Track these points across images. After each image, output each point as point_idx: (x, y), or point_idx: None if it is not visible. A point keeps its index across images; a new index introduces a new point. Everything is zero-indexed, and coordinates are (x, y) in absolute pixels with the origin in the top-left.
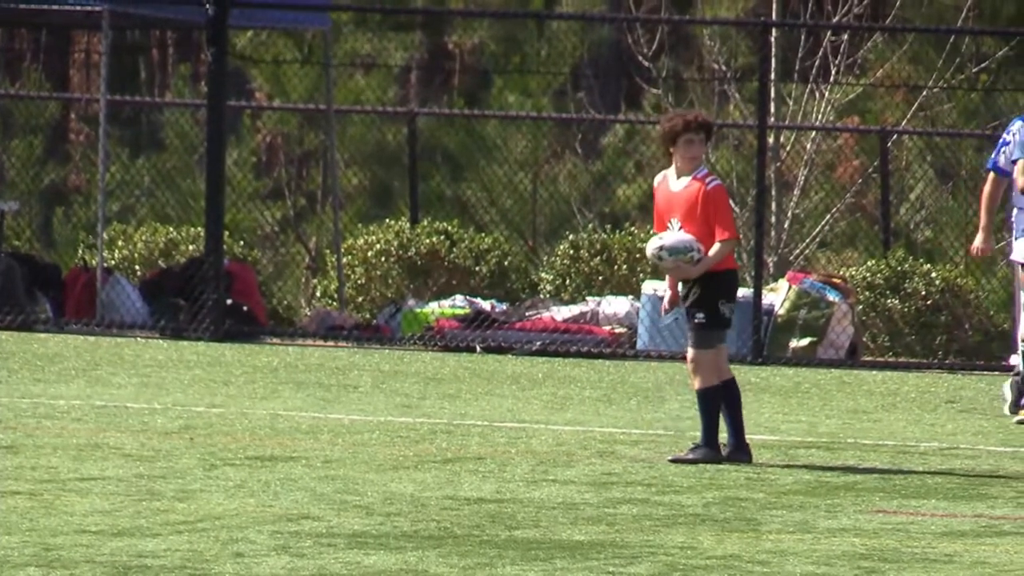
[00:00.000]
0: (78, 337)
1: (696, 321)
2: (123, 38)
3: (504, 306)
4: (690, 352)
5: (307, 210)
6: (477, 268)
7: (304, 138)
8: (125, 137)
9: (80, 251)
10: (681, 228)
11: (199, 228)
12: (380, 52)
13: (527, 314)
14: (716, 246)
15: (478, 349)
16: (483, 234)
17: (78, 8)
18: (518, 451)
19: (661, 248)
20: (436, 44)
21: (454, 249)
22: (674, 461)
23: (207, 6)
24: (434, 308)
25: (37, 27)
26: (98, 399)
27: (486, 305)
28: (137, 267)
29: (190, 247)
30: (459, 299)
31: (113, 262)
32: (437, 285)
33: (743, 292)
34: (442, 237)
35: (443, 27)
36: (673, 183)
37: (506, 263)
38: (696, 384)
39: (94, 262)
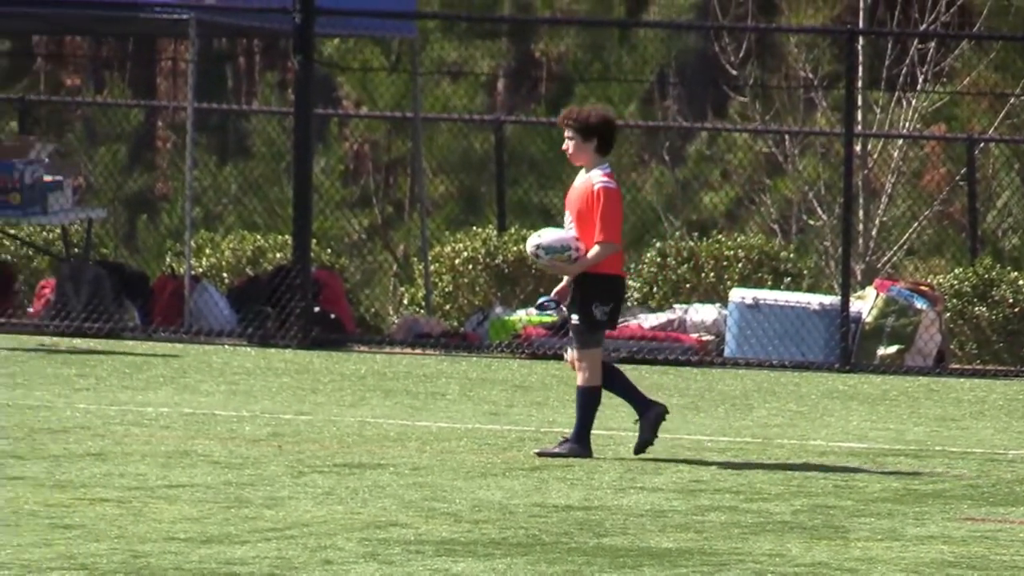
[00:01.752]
0: (166, 344)
1: (573, 323)
2: (210, 46)
3: None
4: (574, 353)
5: (395, 218)
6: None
7: (391, 146)
8: (212, 145)
9: (167, 259)
10: (572, 224)
11: (287, 236)
12: (467, 60)
13: None
14: (594, 248)
15: (565, 357)
16: None
17: (165, 17)
18: (606, 458)
19: (538, 246)
20: (523, 52)
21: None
22: (540, 454)
23: (294, 14)
24: (521, 316)
25: (124, 36)
26: (186, 406)
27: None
28: (225, 275)
29: (278, 255)
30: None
31: (201, 270)
32: (524, 292)
33: (831, 300)
34: None
35: (529, 35)
36: (577, 179)
37: None
38: (579, 381)
39: (182, 270)
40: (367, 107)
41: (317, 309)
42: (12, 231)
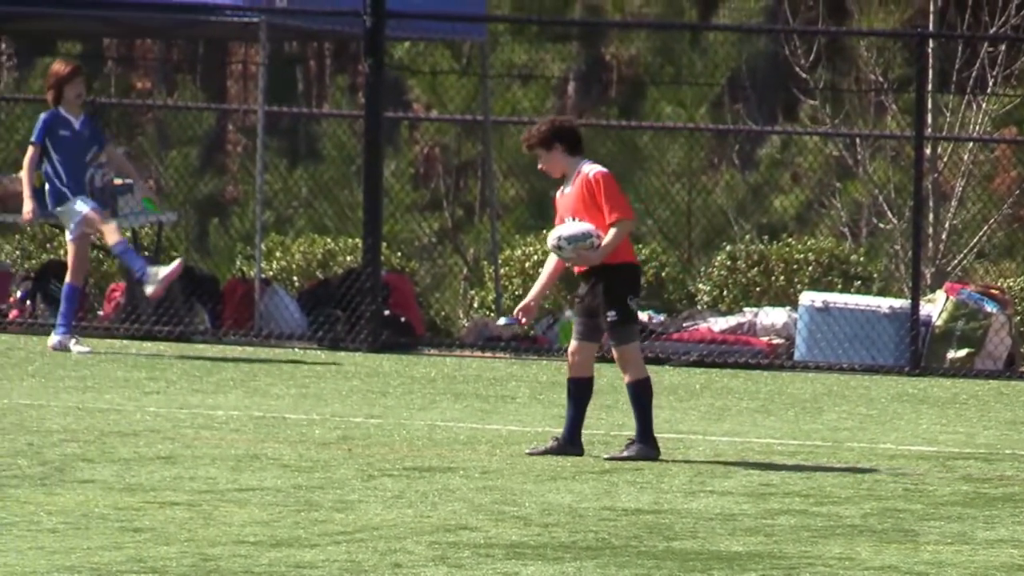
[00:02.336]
0: (236, 348)
1: (609, 320)
2: (281, 49)
3: (661, 317)
4: (615, 352)
5: (465, 221)
6: None
7: (462, 149)
8: (282, 148)
9: (238, 262)
10: (580, 222)
11: (357, 239)
12: (537, 63)
13: (684, 325)
14: (612, 230)
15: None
16: (640, 245)
17: (235, 20)
18: (675, 461)
19: (560, 238)
20: (593, 55)
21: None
22: (608, 458)
23: (364, 17)
24: None
25: (194, 39)
26: (256, 409)
27: (643, 316)
28: (295, 278)
29: (348, 258)
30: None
31: (271, 273)
32: None
33: (901, 303)
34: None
35: (600, 38)
36: (565, 186)
37: (663, 274)
38: (626, 378)
39: (252, 273)
40: (437, 110)
41: (387, 312)
42: None
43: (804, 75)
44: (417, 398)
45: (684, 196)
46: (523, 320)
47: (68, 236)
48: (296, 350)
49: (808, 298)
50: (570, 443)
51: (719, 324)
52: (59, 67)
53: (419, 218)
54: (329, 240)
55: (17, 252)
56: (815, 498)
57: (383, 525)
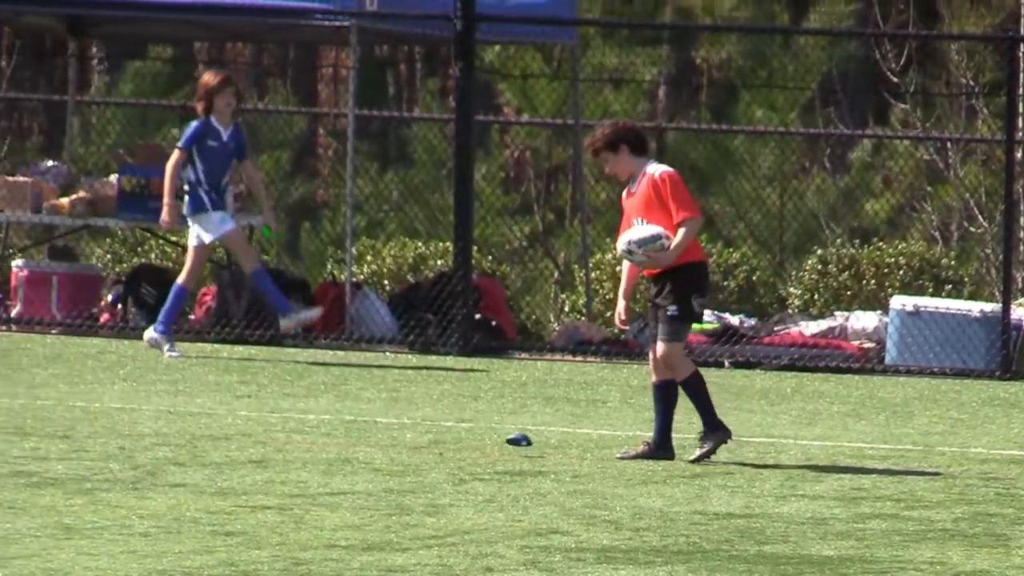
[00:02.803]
0: (327, 352)
1: (668, 314)
2: (371, 53)
3: (753, 321)
4: (661, 347)
5: (555, 225)
6: (725, 283)
7: (552, 152)
8: (373, 152)
9: (329, 266)
10: (646, 223)
11: (448, 243)
12: (628, 67)
13: (775, 329)
14: (680, 230)
15: (727, 364)
16: (731, 249)
17: (326, 24)
18: (767, 466)
19: (629, 242)
20: (683, 59)
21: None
22: (693, 461)
23: (455, 21)
24: None
25: (285, 43)
26: (347, 413)
27: (734, 320)
28: (386, 282)
29: (439, 262)
30: (707, 314)
31: (362, 277)
32: None
33: (992, 307)
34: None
35: (690, 42)
36: (631, 186)
37: (754, 278)
38: (677, 377)
39: (343, 277)
40: (528, 114)
41: (478, 316)
42: (174, 238)
43: (895, 79)
44: (508, 402)
45: (776, 200)
46: (624, 327)
47: (192, 242)
48: (387, 354)
49: (899, 302)
50: (661, 447)
51: (810, 328)
52: (209, 78)
53: (510, 222)
54: (420, 244)
55: (108, 256)
56: (906, 502)
57: (474, 529)
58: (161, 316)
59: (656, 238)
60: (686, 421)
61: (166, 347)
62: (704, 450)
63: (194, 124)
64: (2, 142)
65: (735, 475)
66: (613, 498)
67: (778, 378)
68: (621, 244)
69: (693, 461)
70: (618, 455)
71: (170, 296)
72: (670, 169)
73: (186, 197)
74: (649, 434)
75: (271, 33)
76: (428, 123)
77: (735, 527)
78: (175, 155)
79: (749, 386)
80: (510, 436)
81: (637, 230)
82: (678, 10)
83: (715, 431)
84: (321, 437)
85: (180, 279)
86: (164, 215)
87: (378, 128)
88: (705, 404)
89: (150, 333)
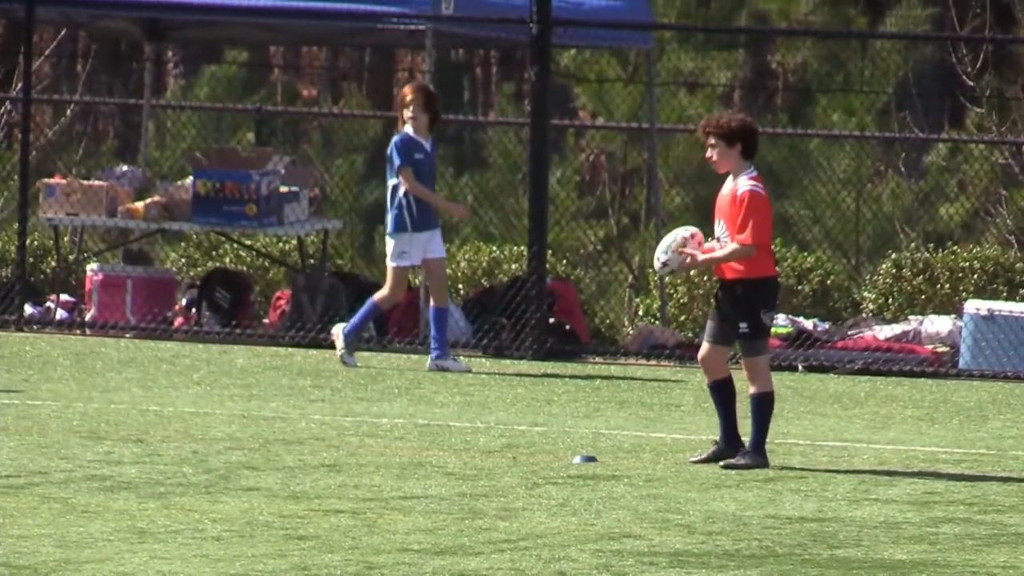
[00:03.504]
0: (401, 356)
1: (740, 331)
2: (447, 57)
3: (826, 325)
4: (745, 362)
5: (630, 229)
6: (800, 287)
7: (627, 157)
8: (448, 155)
9: None
10: (725, 231)
11: (522, 247)
12: (703, 71)
13: (849, 333)
14: (730, 246)
15: (800, 368)
16: (806, 253)
17: (402, 27)
18: (840, 470)
19: (657, 259)
20: (759, 63)
21: (776, 268)
22: (726, 467)
23: (531, 25)
24: None
25: (361, 47)
26: (421, 417)
27: (808, 324)
28: (460, 286)
29: (513, 266)
30: (781, 318)
31: None
32: None
33: None
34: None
35: (766, 46)
36: (725, 186)
37: (828, 282)
38: (751, 389)
39: (417, 281)
40: (603, 118)
41: (552, 320)
42: (248, 242)
43: (971, 83)
44: (582, 406)
45: (851, 204)
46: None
47: (390, 261)
48: (461, 358)
49: (973, 306)
50: (728, 445)
51: (884, 332)
52: (407, 90)
53: (584, 226)
54: (495, 248)
55: (182, 260)
56: (979, 506)
57: (547, 533)
58: (432, 343)
59: (675, 236)
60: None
61: (449, 362)
62: (737, 461)
63: (396, 140)
64: (78, 146)
65: (808, 479)
66: (686, 502)
67: (852, 382)
68: (656, 266)
69: (698, 461)
70: (692, 459)
71: (431, 322)
72: (757, 187)
73: (389, 213)
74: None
75: (347, 37)
76: (503, 127)
77: (808, 531)
78: (404, 174)
79: (822, 390)
80: (578, 459)
81: (661, 244)
82: (754, 14)
83: (759, 455)
84: (394, 441)
85: (376, 296)
86: (457, 210)
87: (453, 132)
88: (763, 427)
89: (429, 364)
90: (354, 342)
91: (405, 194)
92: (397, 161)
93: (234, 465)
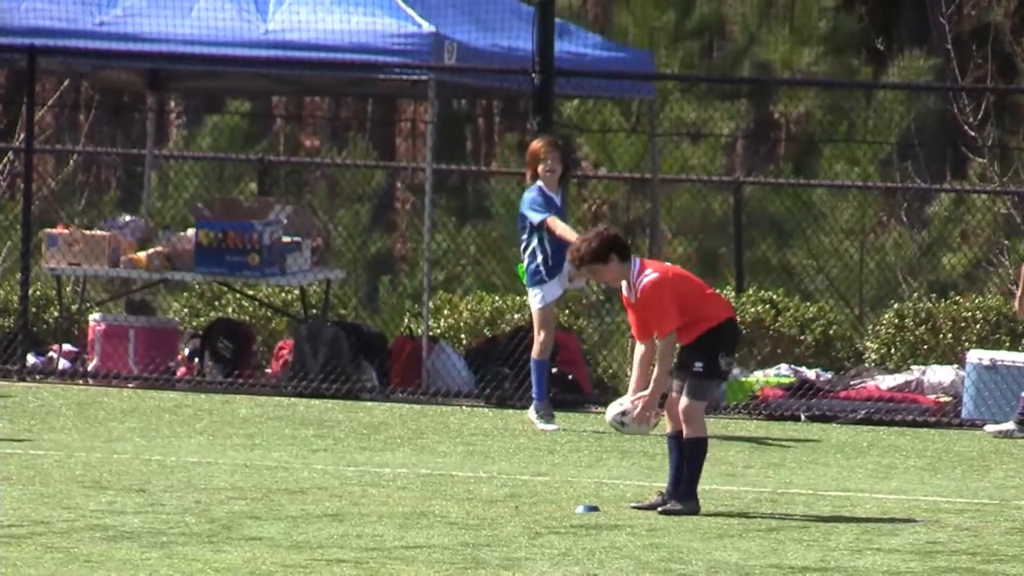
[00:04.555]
0: (403, 405)
1: (694, 369)
2: (449, 107)
3: (829, 375)
4: (683, 401)
5: None
6: (802, 337)
7: (630, 206)
8: (451, 206)
9: (406, 319)
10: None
11: (524, 297)
12: (706, 121)
13: (852, 383)
14: (658, 355)
15: (803, 418)
16: (808, 303)
17: (404, 77)
18: (842, 519)
19: (613, 418)
20: (762, 113)
21: (779, 318)
22: (663, 513)
23: (533, 75)
24: (759, 377)
25: (363, 97)
26: (423, 467)
27: (811, 374)
28: (463, 336)
29: (515, 316)
30: (784, 368)
31: (439, 330)
32: (762, 354)
33: None
34: (767, 306)
35: (769, 96)
36: (624, 291)
37: (831, 332)
38: (687, 432)
39: (420, 331)
40: (606, 168)
41: (555, 370)
42: (251, 292)
43: (973, 133)
44: (584, 456)
45: (855, 254)
46: (652, 421)
47: (534, 309)
48: (463, 408)
49: (976, 356)
50: (685, 498)
51: (886, 382)
52: (541, 145)
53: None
54: (497, 298)
55: (185, 310)
56: (982, 556)
57: None
58: (534, 399)
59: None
60: (762, 475)
61: (539, 422)
62: (667, 507)
63: (528, 194)
64: (80, 196)
65: (810, 528)
66: (689, 552)
67: (854, 432)
68: (610, 417)
69: (639, 507)
70: (632, 505)
71: (533, 375)
72: (648, 276)
73: (527, 267)
74: (726, 488)
75: (349, 87)
76: (506, 177)
77: None
78: (551, 224)
79: (825, 440)
80: (580, 509)
81: (609, 410)
82: (757, 64)
83: (690, 500)
84: (397, 491)
85: (534, 353)
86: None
87: (456, 182)
88: (697, 472)
89: (530, 413)
90: (545, 407)
91: (541, 247)
92: (538, 216)
93: (237, 515)
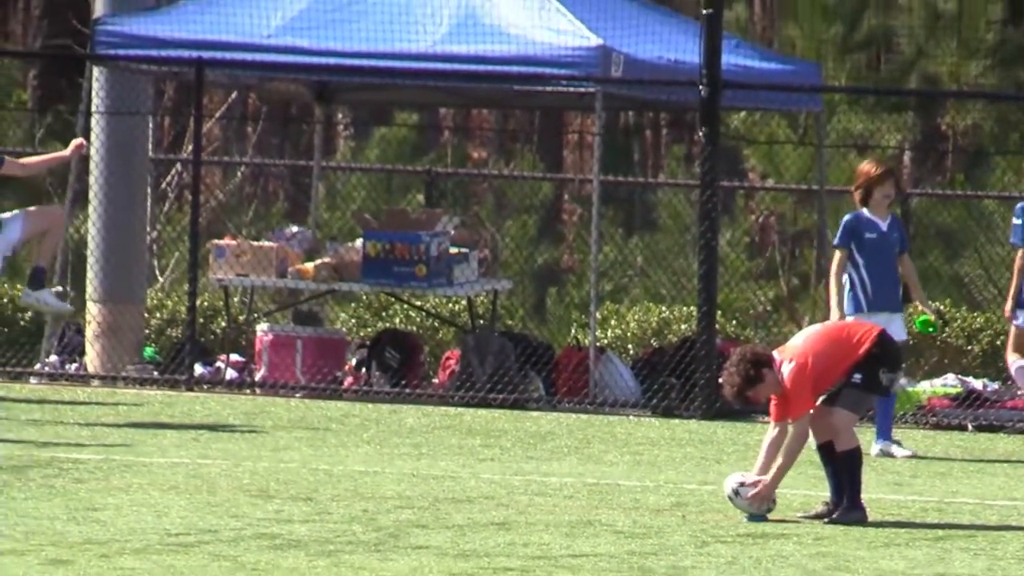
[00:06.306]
0: (570, 415)
1: (853, 380)
2: (616, 119)
3: (996, 385)
4: (837, 411)
5: (799, 289)
6: (969, 347)
7: (798, 218)
8: (618, 217)
9: (573, 330)
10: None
11: (692, 307)
12: (873, 132)
13: (1019, 393)
14: (786, 441)
15: (970, 428)
16: (976, 313)
17: (571, 90)
18: (1010, 528)
19: (733, 490)
20: (929, 125)
21: (947, 328)
22: (830, 522)
23: (700, 87)
24: (926, 387)
25: (531, 109)
26: (590, 476)
27: (978, 384)
28: (630, 346)
29: (683, 326)
30: (951, 378)
31: (606, 341)
32: (928, 364)
33: None
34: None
35: (936, 108)
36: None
37: (999, 342)
38: (839, 445)
39: (587, 341)
40: (773, 179)
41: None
42: (418, 303)
43: None
44: (751, 465)
45: None
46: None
47: None
48: (630, 418)
49: None
50: (849, 508)
51: None
52: (869, 167)
53: (754, 286)
54: (664, 308)
55: (352, 320)
56: None
57: None
58: (877, 430)
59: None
60: (928, 484)
61: (893, 448)
62: (832, 516)
63: (845, 219)
64: (248, 207)
65: (977, 538)
66: (855, 560)
67: (1021, 441)
68: (728, 485)
69: (805, 517)
70: (825, 520)
71: (878, 414)
72: (792, 366)
73: (847, 295)
74: (891, 497)
75: (516, 99)
76: (673, 188)
77: None
78: (836, 256)
79: (992, 449)
80: (747, 518)
81: (730, 478)
82: (924, 76)
83: (856, 509)
84: (564, 500)
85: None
86: (833, 317)
87: (623, 194)
88: (857, 482)
89: (874, 449)
90: (890, 438)
91: (859, 273)
92: (836, 240)
93: (403, 524)
